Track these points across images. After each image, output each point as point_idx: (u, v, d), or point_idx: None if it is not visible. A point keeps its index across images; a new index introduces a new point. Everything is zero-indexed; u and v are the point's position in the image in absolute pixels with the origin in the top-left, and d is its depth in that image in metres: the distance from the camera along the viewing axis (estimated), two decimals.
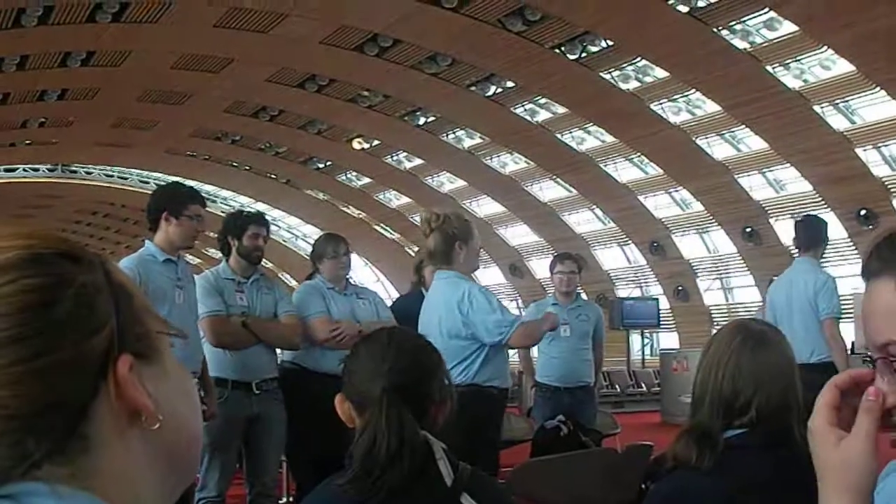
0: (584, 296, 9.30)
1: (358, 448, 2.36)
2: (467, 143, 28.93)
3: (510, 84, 24.26)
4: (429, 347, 2.60)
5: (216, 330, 6.28)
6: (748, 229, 24.47)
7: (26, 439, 0.95)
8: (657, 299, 26.67)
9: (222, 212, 33.41)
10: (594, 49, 21.30)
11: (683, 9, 18.73)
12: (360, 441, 2.37)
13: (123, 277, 1.09)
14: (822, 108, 20.60)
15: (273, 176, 35.63)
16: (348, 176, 34.58)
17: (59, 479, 0.96)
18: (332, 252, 6.95)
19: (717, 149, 23.85)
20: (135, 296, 1.08)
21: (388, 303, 7.87)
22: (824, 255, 8.32)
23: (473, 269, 6.26)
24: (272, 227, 7.28)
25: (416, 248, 31.33)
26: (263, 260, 6.80)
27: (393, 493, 2.27)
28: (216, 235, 6.75)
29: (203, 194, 6.67)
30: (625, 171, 26.80)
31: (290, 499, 8.91)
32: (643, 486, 6.73)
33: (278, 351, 6.89)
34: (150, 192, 7.08)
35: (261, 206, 33.05)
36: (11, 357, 0.94)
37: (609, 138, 25.45)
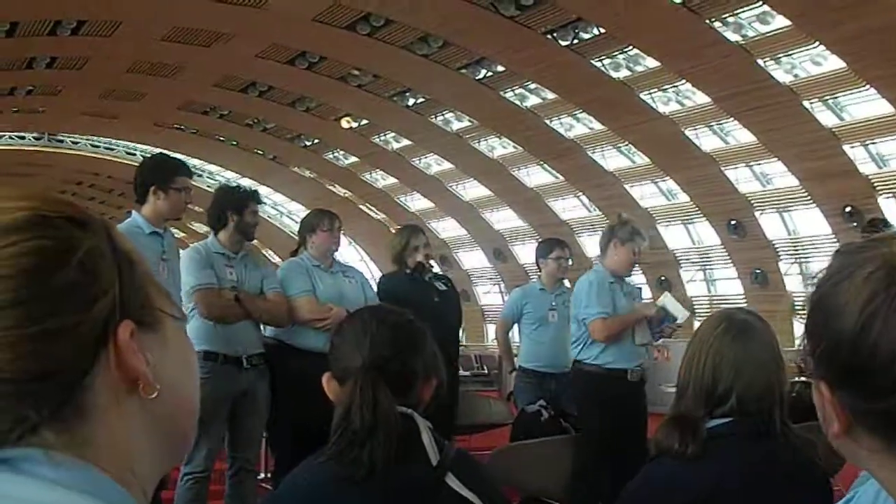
0: (566, 283, 9.30)
1: (334, 422, 2.36)
2: (456, 125, 28.87)
3: (500, 68, 24.21)
4: (412, 324, 2.59)
5: (209, 302, 6.26)
6: (733, 222, 24.49)
7: (23, 404, 0.94)
8: (640, 288, 26.61)
9: (208, 186, 33.37)
10: (586, 36, 21.24)
11: None
12: (336, 415, 2.37)
13: (128, 245, 1.09)
14: (811, 103, 20.61)
15: (260, 152, 35.55)
16: (335, 154, 34.49)
17: (55, 446, 0.95)
18: (328, 224, 6.92)
19: (705, 140, 23.84)
20: (138, 264, 1.08)
21: (372, 282, 7.86)
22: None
23: (616, 268, 7.20)
24: None
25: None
26: None
27: (374, 470, 2.27)
28: (209, 208, 6.69)
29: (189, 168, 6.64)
30: (612, 159, 26.77)
31: (269, 474, 8.92)
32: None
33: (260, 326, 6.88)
34: (136, 163, 7.07)
35: (246, 182, 32.97)
36: (11, 321, 0.93)
37: (597, 126, 25.42)
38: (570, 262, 8.93)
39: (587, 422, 6.77)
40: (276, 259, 39.61)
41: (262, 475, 8.81)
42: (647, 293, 26.92)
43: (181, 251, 6.41)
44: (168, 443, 1.08)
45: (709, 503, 2.61)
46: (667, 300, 6.82)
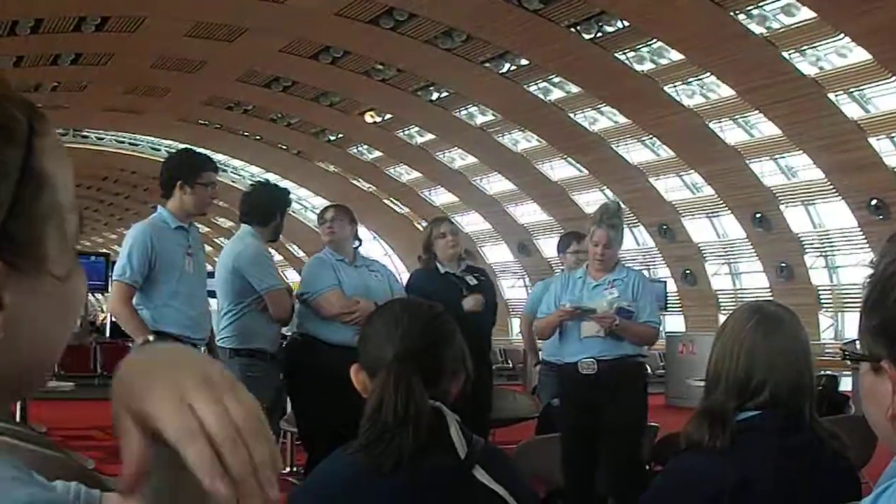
0: None
1: (365, 413, 2.36)
2: (480, 119, 28.89)
3: (524, 62, 24.21)
4: (443, 317, 2.58)
5: (286, 303, 6.35)
6: (758, 215, 24.42)
7: None
8: (664, 282, 26.67)
9: (233, 181, 33.49)
10: (610, 29, 21.24)
11: None
12: (367, 406, 2.37)
13: (53, 166, 0.95)
14: (836, 95, 20.53)
15: (284, 147, 35.60)
16: (360, 149, 34.54)
17: None
18: (321, 218, 6.97)
19: (730, 133, 23.79)
20: (50, 192, 0.94)
21: (397, 276, 7.86)
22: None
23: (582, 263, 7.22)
24: None
25: (425, 224, 31.35)
26: None
27: (401, 462, 2.27)
28: (256, 206, 6.68)
29: None
30: (636, 152, 26.75)
31: (295, 469, 8.95)
32: (647, 466, 6.76)
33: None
34: (160, 159, 7.07)
35: (271, 177, 33.07)
36: None
37: (622, 119, 25.40)
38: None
39: (562, 415, 6.81)
40: (301, 254, 39.78)
41: (287, 469, 8.85)
42: (672, 286, 26.93)
43: (246, 249, 6.42)
44: (7, 386, 0.95)
45: (736, 496, 2.60)
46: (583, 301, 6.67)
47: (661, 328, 6.83)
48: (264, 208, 6.59)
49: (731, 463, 2.64)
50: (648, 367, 23.83)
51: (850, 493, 2.63)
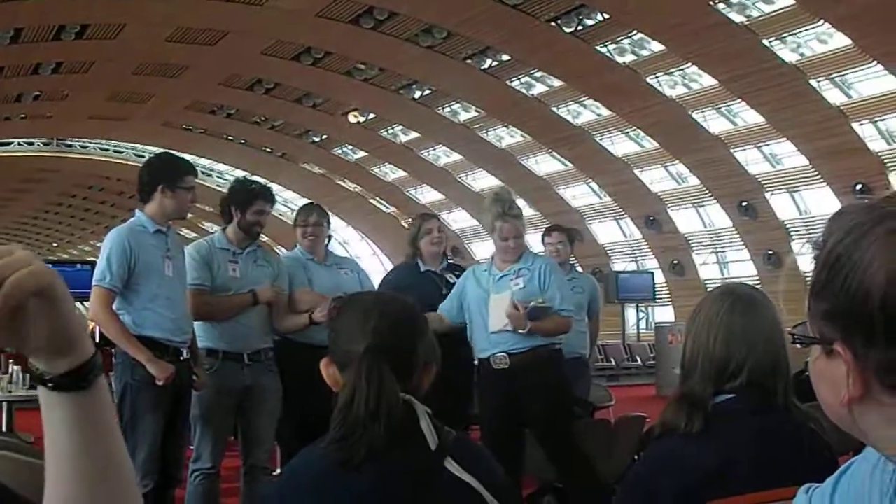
0: (578, 268, 9.19)
1: (337, 407, 2.34)
2: (463, 116, 28.89)
3: (506, 57, 24.21)
4: (414, 310, 2.57)
5: (192, 303, 6.09)
6: (744, 203, 24.45)
7: None
8: (652, 273, 26.72)
9: (218, 186, 33.40)
10: (590, 22, 21.25)
11: None
12: (339, 399, 2.35)
13: None
14: (818, 82, 20.56)
15: (269, 149, 35.56)
16: (344, 149, 34.52)
17: None
18: (301, 220, 6.88)
19: (713, 123, 23.82)
20: None
21: (382, 275, 7.83)
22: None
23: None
24: None
25: (411, 222, 31.33)
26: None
27: (373, 454, 2.26)
28: (220, 201, 6.63)
29: (199, 168, 6.57)
30: (620, 144, 26.78)
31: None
32: (635, 457, 6.73)
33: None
34: None
35: (257, 180, 33.02)
36: None
37: (605, 112, 25.42)
38: (569, 247, 8.78)
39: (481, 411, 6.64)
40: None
41: (278, 471, 8.82)
42: (659, 277, 26.98)
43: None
44: None
45: (717, 479, 2.59)
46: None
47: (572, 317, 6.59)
48: (223, 206, 6.54)
49: (709, 446, 2.63)
50: (636, 357, 23.72)
51: (829, 473, 2.63)
